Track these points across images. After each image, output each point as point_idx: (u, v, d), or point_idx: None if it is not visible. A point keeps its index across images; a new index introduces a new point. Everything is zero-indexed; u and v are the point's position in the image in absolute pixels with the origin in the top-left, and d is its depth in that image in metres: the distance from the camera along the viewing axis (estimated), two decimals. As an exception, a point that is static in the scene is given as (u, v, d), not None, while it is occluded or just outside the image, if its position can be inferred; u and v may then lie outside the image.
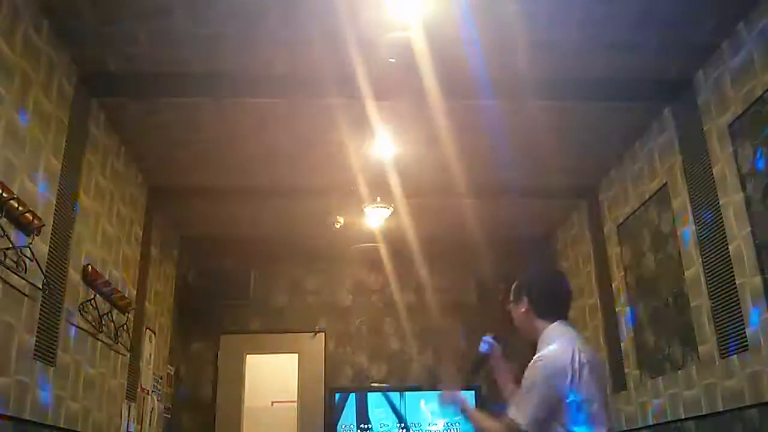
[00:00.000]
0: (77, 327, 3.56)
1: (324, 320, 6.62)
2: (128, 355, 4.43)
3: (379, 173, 4.68)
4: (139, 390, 4.69)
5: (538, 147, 4.45)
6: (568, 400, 2.09)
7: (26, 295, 2.93)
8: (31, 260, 2.91)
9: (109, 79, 3.59)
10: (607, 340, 4.96)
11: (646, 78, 3.70)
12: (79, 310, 3.60)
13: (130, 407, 4.48)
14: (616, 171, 4.75)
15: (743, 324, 3.26)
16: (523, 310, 2.34)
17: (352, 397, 6.23)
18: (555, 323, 2.27)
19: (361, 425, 6.14)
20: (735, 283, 3.33)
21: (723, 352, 3.43)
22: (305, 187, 5.04)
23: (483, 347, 2.53)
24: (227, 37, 3.28)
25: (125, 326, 4.27)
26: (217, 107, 3.93)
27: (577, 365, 2.11)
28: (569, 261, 5.77)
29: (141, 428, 4.76)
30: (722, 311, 3.44)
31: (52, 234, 3.22)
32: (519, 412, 2.14)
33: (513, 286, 2.42)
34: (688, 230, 3.80)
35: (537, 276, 2.44)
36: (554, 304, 2.33)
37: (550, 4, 3.11)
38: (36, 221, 2.95)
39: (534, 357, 2.20)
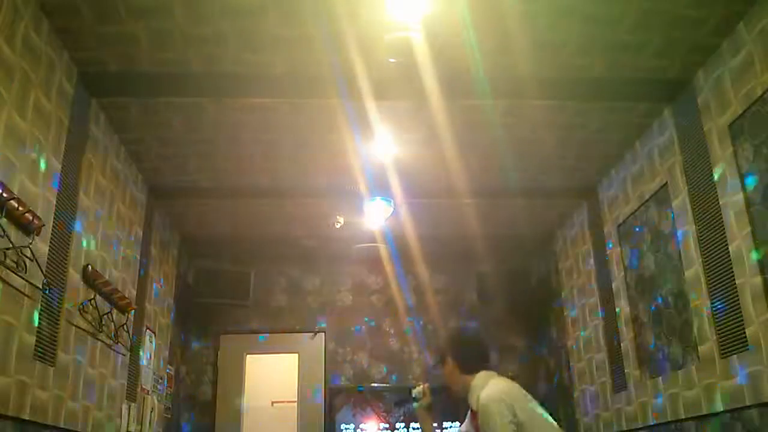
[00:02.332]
0: (77, 327, 3.56)
1: (324, 320, 6.63)
2: (128, 355, 4.43)
3: (380, 173, 4.68)
4: (139, 390, 4.69)
5: (538, 147, 4.46)
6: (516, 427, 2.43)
7: (26, 295, 2.93)
8: (31, 260, 2.91)
9: (109, 79, 3.58)
10: (607, 340, 4.96)
11: (646, 78, 3.70)
12: (79, 310, 3.60)
13: (130, 407, 4.48)
14: (616, 171, 4.76)
15: (743, 324, 3.26)
16: (449, 369, 2.68)
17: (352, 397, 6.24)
18: (480, 373, 2.62)
19: (361, 425, 6.14)
20: (735, 283, 3.33)
21: (723, 352, 3.43)
22: (305, 187, 5.04)
23: (415, 393, 2.85)
24: (227, 37, 3.28)
25: (125, 326, 4.28)
26: (217, 107, 3.93)
27: (516, 396, 2.49)
28: (569, 261, 5.77)
29: (141, 428, 4.76)
30: (722, 311, 3.44)
31: (52, 234, 3.22)
32: None
33: (435, 350, 2.73)
34: (688, 230, 3.80)
35: (455, 336, 2.85)
36: (476, 357, 2.68)
37: (551, 4, 3.11)
38: (36, 221, 2.95)
39: (478, 403, 2.52)
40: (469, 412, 2.73)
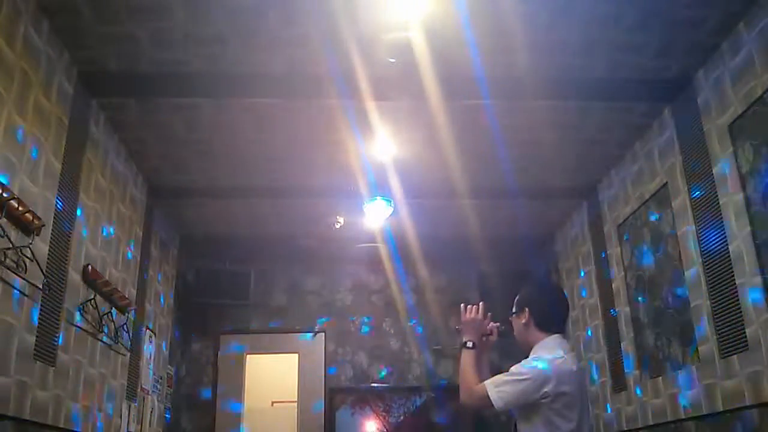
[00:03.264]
0: (77, 327, 3.56)
1: (324, 320, 6.63)
2: (128, 355, 4.43)
3: (380, 173, 4.68)
4: (139, 390, 4.69)
5: (538, 147, 4.45)
6: (548, 408, 2.19)
7: (26, 295, 2.93)
8: (31, 260, 2.91)
9: (109, 79, 3.58)
10: (607, 340, 4.96)
11: (646, 78, 3.70)
12: (79, 310, 3.60)
13: (130, 407, 4.48)
14: (616, 171, 4.75)
15: (743, 324, 3.26)
16: (523, 321, 2.43)
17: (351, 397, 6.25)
18: (553, 336, 2.37)
19: (361, 425, 6.14)
20: (735, 283, 3.33)
21: (723, 352, 3.43)
22: (305, 187, 5.04)
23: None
24: (227, 37, 3.28)
25: (125, 326, 4.28)
26: (217, 107, 3.93)
27: (565, 378, 2.21)
28: (569, 261, 5.77)
29: (141, 428, 4.76)
30: (722, 311, 3.44)
31: (52, 234, 3.22)
32: (497, 393, 2.24)
33: (516, 298, 2.50)
34: (688, 230, 3.80)
35: (538, 289, 2.56)
36: (553, 317, 2.42)
37: (551, 4, 3.11)
38: (36, 221, 2.95)
39: (530, 356, 2.32)
40: None
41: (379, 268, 6.59)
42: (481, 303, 2.56)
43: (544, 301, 2.45)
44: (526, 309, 2.43)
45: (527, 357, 2.38)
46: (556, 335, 2.38)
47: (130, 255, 4.50)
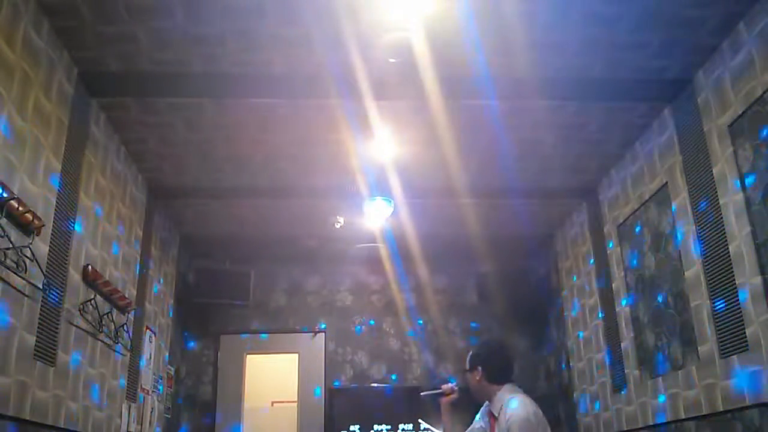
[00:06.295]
0: (77, 327, 3.56)
1: (324, 320, 6.63)
2: (128, 355, 4.43)
3: (380, 173, 4.68)
4: (139, 390, 4.69)
5: (538, 147, 4.46)
6: None
7: (26, 295, 2.93)
8: (31, 260, 2.91)
9: (109, 79, 3.59)
10: (607, 340, 4.96)
11: (646, 78, 3.70)
12: (79, 310, 3.60)
13: (130, 407, 4.48)
14: (616, 171, 4.76)
15: (743, 324, 3.26)
16: (477, 378, 2.88)
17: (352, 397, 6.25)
18: (506, 386, 2.83)
19: (361, 425, 6.14)
20: (735, 283, 3.33)
21: (723, 352, 3.43)
22: (305, 187, 5.04)
23: (444, 386, 3.13)
24: (227, 37, 3.28)
25: (125, 326, 4.28)
26: (217, 107, 3.93)
27: (541, 420, 2.69)
28: (569, 261, 5.77)
29: (141, 428, 4.76)
30: (722, 311, 3.44)
31: (52, 234, 3.22)
32: None
33: (468, 357, 2.97)
34: (688, 230, 3.80)
35: (486, 349, 3.00)
36: (503, 371, 2.88)
37: (551, 4, 3.11)
38: (36, 221, 2.95)
39: (504, 415, 2.70)
40: (489, 415, 2.92)
41: (379, 268, 6.60)
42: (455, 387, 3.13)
43: (492, 359, 2.89)
44: (479, 367, 2.87)
45: (483, 401, 2.91)
46: (508, 384, 2.83)
47: (130, 255, 4.50)
